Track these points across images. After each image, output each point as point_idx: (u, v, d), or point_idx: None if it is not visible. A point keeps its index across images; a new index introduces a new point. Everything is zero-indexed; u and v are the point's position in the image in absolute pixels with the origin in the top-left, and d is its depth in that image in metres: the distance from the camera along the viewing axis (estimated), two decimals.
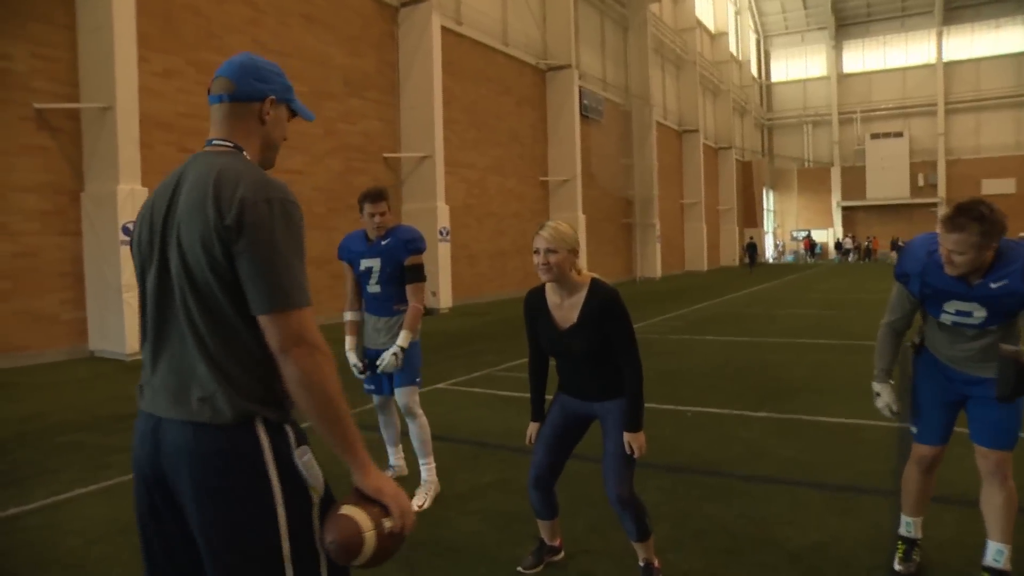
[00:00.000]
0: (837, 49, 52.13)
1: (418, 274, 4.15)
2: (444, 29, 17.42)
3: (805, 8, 52.29)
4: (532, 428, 3.16)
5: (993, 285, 2.70)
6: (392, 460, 4.60)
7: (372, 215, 4.08)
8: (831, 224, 52.43)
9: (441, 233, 16.26)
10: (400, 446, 4.61)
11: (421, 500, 4.10)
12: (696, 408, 6.34)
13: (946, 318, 2.90)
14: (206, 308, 1.53)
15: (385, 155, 16.23)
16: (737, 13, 47.15)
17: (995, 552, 2.88)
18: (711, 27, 42.20)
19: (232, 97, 1.67)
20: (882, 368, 3.21)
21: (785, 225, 54.66)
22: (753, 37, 51.63)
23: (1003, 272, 2.69)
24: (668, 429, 5.61)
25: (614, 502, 2.91)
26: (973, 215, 2.61)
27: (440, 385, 7.69)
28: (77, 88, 10.35)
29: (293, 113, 1.81)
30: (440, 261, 16.25)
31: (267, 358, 1.53)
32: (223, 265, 1.50)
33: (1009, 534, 2.88)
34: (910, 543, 3.18)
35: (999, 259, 2.71)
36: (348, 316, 4.33)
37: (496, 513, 3.96)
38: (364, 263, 4.18)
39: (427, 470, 4.23)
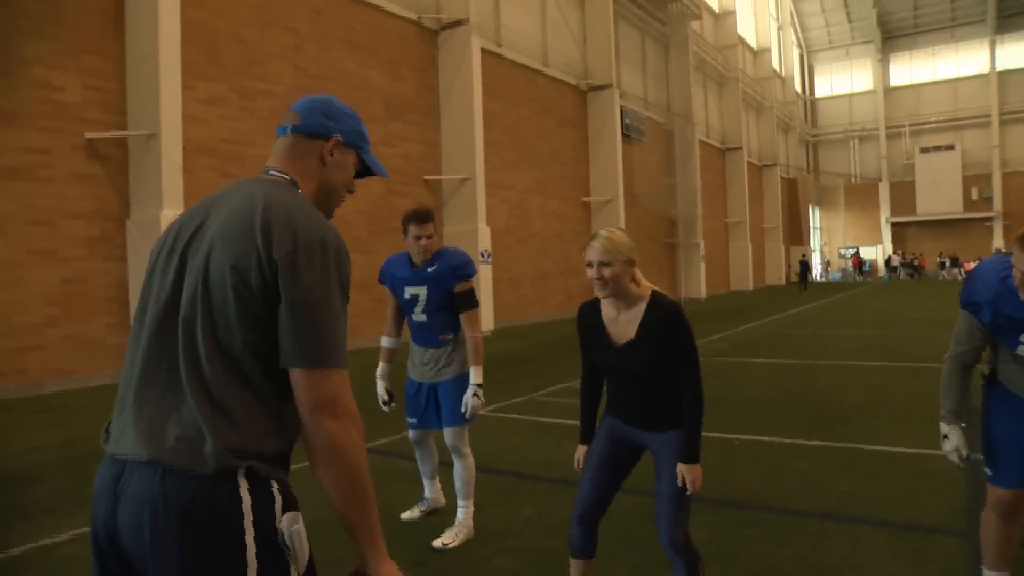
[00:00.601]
0: (883, 62, 51.17)
1: (471, 301, 3.90)
2: (484, 51, 17.45)
3: (850, 22, 51.52)
4: (580, 451, 2.88)
5: None
6: (427, 492, 4.38)
7: (418, 237, 3.81)
8: (880, 241, 51.22)
9: (483, 255, 16.19)
10: (437, 478, 4.41)
11: (449, 539, 3.90)
12: (745, 436, 6.08)
13: (1022, 349, 2.59)
14: (216, 341, 1.37)
15: (426, 177, 16.25)
16: (780, 29, 46.62)
17: None
18: (753, 44, 41.77)
19: (296, 129, 1.59)
20: (949, 408, 2.85)
21: (832, 242, 53.56)
22: (796, 52, 51.00)
23: None
24: (716, 459, 5.36)
25: (667, 547, 2.66)
26: None
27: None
28: (125, 117, 10.54)
29: (365, 168, 1.71)
30: (482, 283, 16.14)
31: (276, 410, 1.40)
32: (254, 299, 1.36)
33: None
34: None
35: None
36: (385, 342, 4.16)
37: (533, 551, 3.77)
38: (409, 291, 3.93)
39: (464, 513, 4.02)
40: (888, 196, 50.74)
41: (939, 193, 48.49)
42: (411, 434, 4.23)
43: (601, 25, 22.76)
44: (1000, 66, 47.40)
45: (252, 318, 1.37)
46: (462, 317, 3.89)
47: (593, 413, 2.93)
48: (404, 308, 4.03)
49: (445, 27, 16.59)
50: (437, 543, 3.87)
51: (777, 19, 46.16)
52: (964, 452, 2.80)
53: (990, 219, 47.39)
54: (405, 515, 4.24)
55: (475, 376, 3.85)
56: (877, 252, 50.62)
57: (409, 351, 4.12)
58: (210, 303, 1.38)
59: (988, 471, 2.81)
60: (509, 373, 10.47)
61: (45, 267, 9.67)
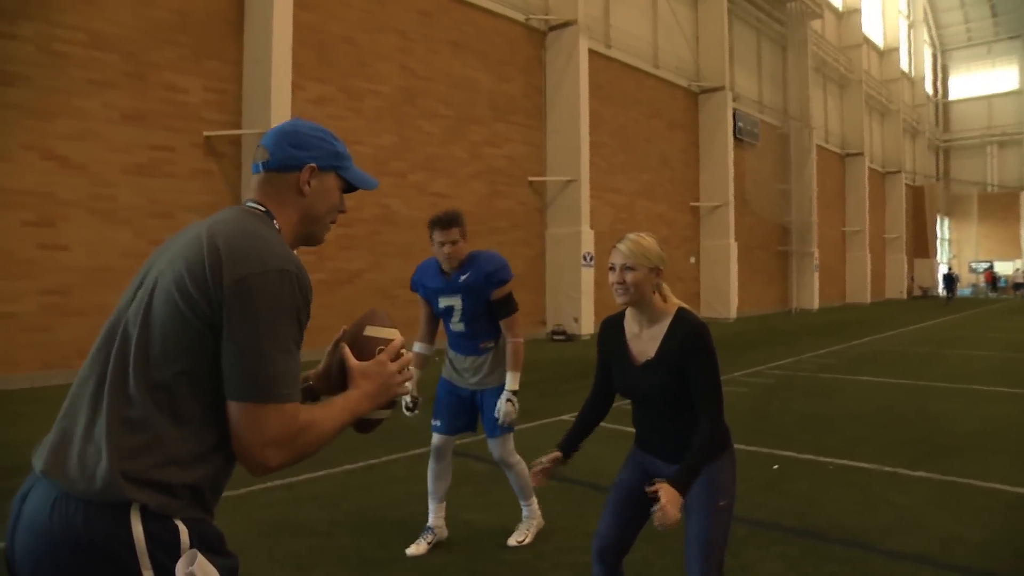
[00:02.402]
0: None
1: (510, 307, 3.74)
2: (592, 52, 17.28)
3: (993, 16, 48.06)
4: (548, 456, 2.57)
5: None
6: (431, 520, 3.97)
7: (442, 244, 3.64)
8: (1019, 255, 47.56)
9: (585, 258, 16.02)
10: (444, 504, 4.04)
11: (522, 536, 3.91)
12: (840, 460, 5.68)
13: None
14: (148, 358, 1.29)
15: (530, 179, 16.24)
16: (910, 27, 44.03)
17: None
18: (879, 43, 39.61)
19: (267, 166, 1.50)
20: None
21: (962, 255, 50.11)
22: (928, 51, 48.04)
23: None
24: (804, 483, 5.03)
25: None
26: None
27: (564, 417, 7.41)
28: (240, 116, 11.03)
29: (347, 183, 1.61)
30: (583, 287, 15.99)
31: (198, 439, 1.31)
32: (197, 320, 1.29)
33: None
34: None
35: None
36: (417, 348, 4.02)
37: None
38: (444, 301, 3.79)
39: (528, 509, 3.99)
40: None
41: None
42: (434, 439, 3.99)
43: (715, 25, 22.12)
44: None
45: (191, 339, 1.29)
46: (503, 324, 3.75)
47: (583, 429, 2.70)
48: (440, 317, 3.89)
49: (553, 28, 16.53)
50: (512, 541, 3.88)
51: (908, 16, 43.61)
52: None
53: None
54: (411, 550, 3.82)
55: (511, 382, 3.72)
56: (1015, 267, 47.04)
57: (446, 353, 4.00)
58: (150, 319, 1.31)
59: None
60: None
61: None
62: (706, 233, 22.16)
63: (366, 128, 12.95)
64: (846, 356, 12.98)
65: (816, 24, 29.30)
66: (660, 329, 2.42)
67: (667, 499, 2.13)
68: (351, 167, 1.60)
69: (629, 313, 2.53)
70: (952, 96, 51.30)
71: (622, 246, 2.40)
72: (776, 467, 5.52)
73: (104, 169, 9.59)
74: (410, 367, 1.57)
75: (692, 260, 21.85)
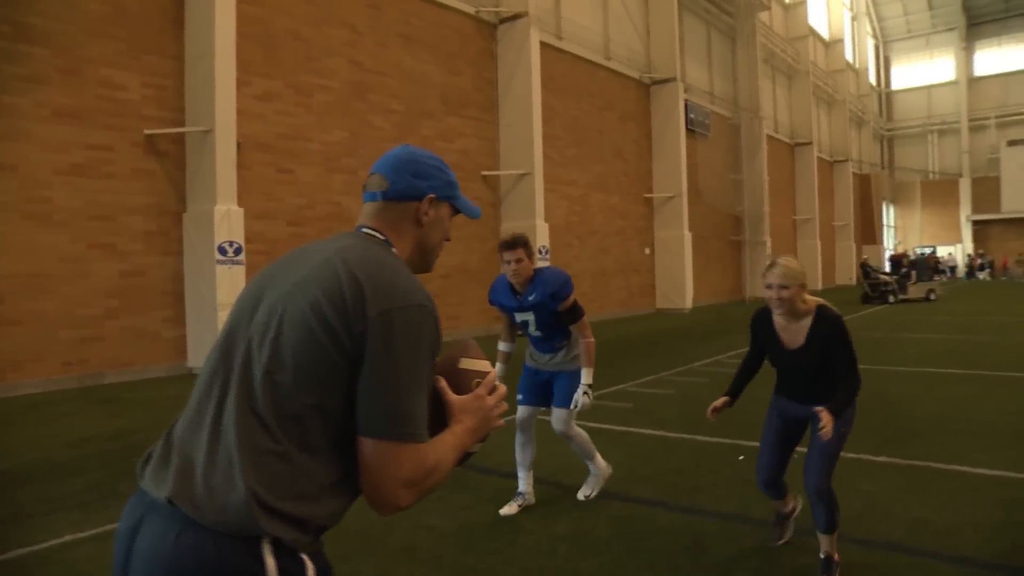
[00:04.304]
0: (967, 51, 48.81)
1: (576, 313, 4.28)
2: (543, 45, 17.16)
3: (931, 9, 49.29)
4: (720, 401, 3.57)
5: None
6: (522, 487, 4.46)
7: (508, 262, 4.13)
8: (960, 240, 48.95)
9: (540, 252, 15.90)
10: (532, 472, 4.51)
11: (590, 490, 4.54)
12: (805, 449, 5.63)
13: None
14: (276, 384, 1.25)
15: (484, 173, 16.06)
16: (854, 19, 44.91)
17: None
18: (825, 35, 40.32)
19: (386, 195, 1.51)
20: None
21: (907, 241, 51.40)
22: (871, 43, 49.08)
23: None
24: None
25: (812, 492, 3.25)
26: None
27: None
28: (183, 114, 10.63)
29: (456, 211, 1.61)
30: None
31: (325, 471, 1.28)
32: (332, 347, 1.25)
33: None
34: None
35: None
36: (501, 347, 4.65)
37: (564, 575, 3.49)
38: (519, 316, 4.37)
39: (594, 466, 4.58)
40: (969, 193, 48.41)
41: None
42: (519, 411, 4.48)
43: (665, 17, 22.18)
44: None
45: (326, 370, 1.25)
46: (573, 328, 4.32)
47: (743, 383, 3.65)
48: (520, 326, 4.47)
49: (504, 20, 16.36)
50: (580, 496, 4.53)
51: (851, 8, 44.47)
52: None
53: None
54: (504, 510, 4.34)
55: (586, 377, 4.30)
56: (957, 252, 48.40)
57: (528, 348, 4.60)
58: (279, 345, 1.27)
59: None
60: None
61: (105, 261, 9.83)
62: (660, 224, 22.23)
63: (316, 124, 12.63)
64: None
65: (764, 16, 29.63)
66: (805, 324, 3.25)
67: (826, 418, 2.97)
68: (461, 196, 1.60)
69: (776, 312, 3.29)
70: (894, 86, 52.48)
71: (777, 270, 3.17)
72: (742, 457, 5.46)
73: (37, 170, 9.14)
74: (498, 383, 1.54)
75: (647, 251, 21.90)
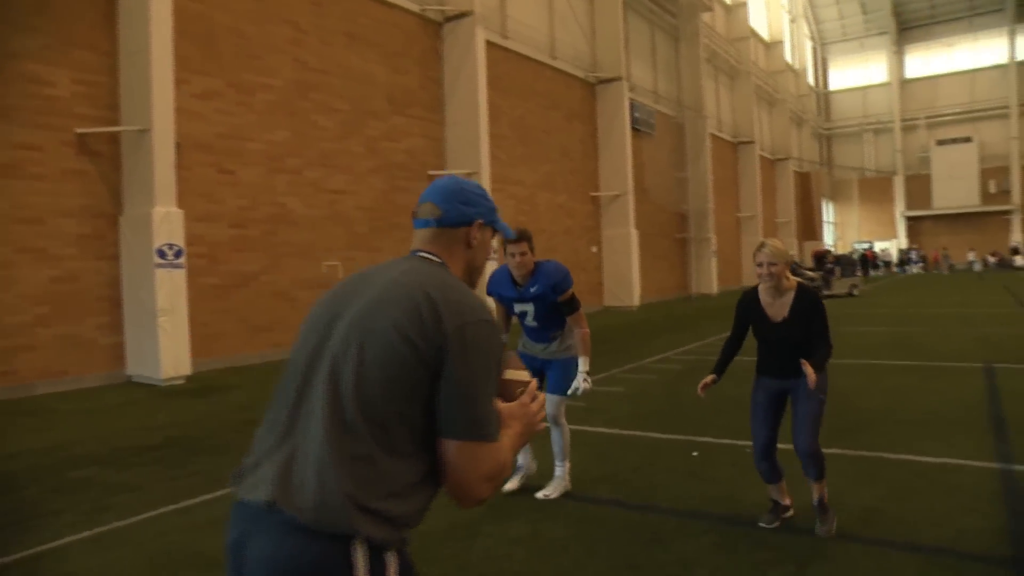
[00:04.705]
0: (899, 54, 50.44)
1: (573, 305, 4.44)
2: (489, 44, 17.08)
3: (864, 13, 50.79)
4: (708, 378, 4.01)
5: None
6: (520, 460, 4.74)
7: (513, 254, 4.30)
8: (895, 235, 50.54)
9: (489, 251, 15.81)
10: (530, 444, 4.71)
11: (550, 491, 4.55)
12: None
13: None
14: (363, 395, 1.37)
15: (430, 172, 15.89)
16: (792, 21, 45.94)
17: None
18: (766, 36, 41.15)
19: (439, 222, 1.64)
20: None
21: (846, 237, 52.86)
22: (809, 45, 50.31)
23: None
24: (725, 468, 4.98)
25: (803, 454, 3.74)
26: None
27: None
28: (117, 112, 10.24)
29: (495, 232, 1.77)
30: (485, 280, 15.79)
31: (411, 473, 1.39)
32: (413, 360, 1.37)
33: None
34: None
35: None
36: None
37: None
38: (518, 307, 4.51)
39: (562, 470, 4.63)
40: (903, 190, 50.06)
41: (956, 186, 47.79)
42: None
43: (610, 17, 22.32)
44: (1020, 56, 46.54)
45: (411, 382, 1.37)
46: (570, 319, 4.48)
47: (728, 359, 4.08)
48: (517, 317, 4.62)
49: (449, 19, 16.22)
50: (540, 495, 4.53)
51: (790, 11, 45.48)
52: None
53: (1008, 212, 46.63)
54: (507, 486, 4.60)
55: (584, 364, 4.51)
56: (891, 247, 49.93)
57: (521, 339, 4.78)
58: (364, 359, 1.38)
59: None
60: None
61: (35, 266, 9.40)
62: (607, 222, 22.36)
63: (258, 123, 12.32)
64: (750, 338, 13.26)
65: (706, 17, 30.06)
66: (788, 299, 3.80)
67: (811, 371, 3.51)
68: (499, 219, 1.75)
69: (762, 288, 3.86)
70: (832, 87, 53.92)
71: (767, 250, 3.74)
72: (696, 454, 5.46)
73: None
74: (537, 392, 1.66)
75: (594, 249, 21.98)
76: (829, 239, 50.70)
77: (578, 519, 4.15)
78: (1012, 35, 46.56)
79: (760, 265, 3.75)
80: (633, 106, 23.44)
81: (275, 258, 12.61)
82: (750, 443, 5.63)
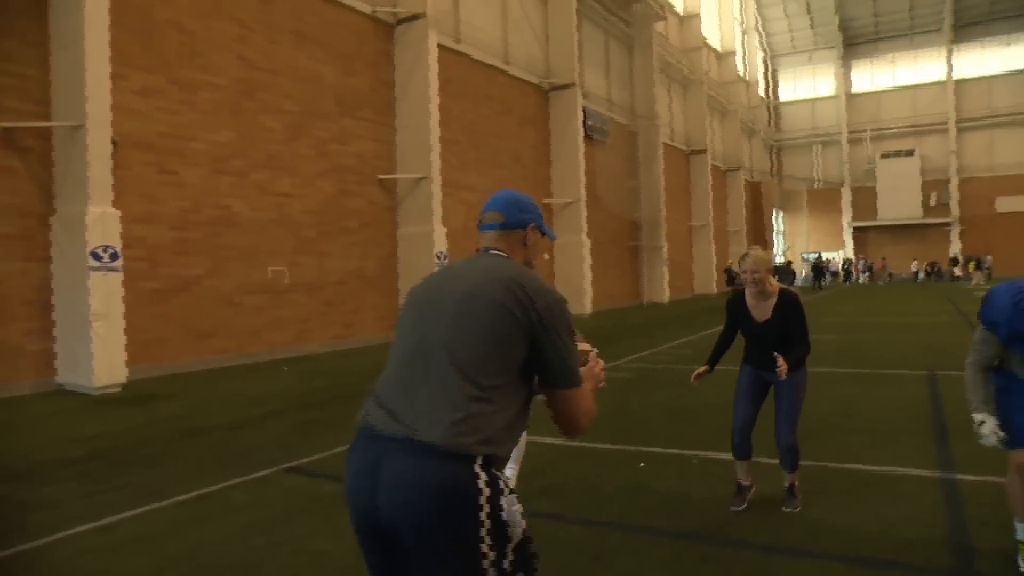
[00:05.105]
0: (845, 68, 51.67)
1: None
2: (442, 47, 16.91)
3: (812, 27, 51.91)
4: (702, 368, 4.37)
5: None
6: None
7: None
8: (842, 245, 51.66)
9: (438, 257, 15.62)
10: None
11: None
12: (705, 453, 5.60)
13: None
14: (478, 354, 1.78)
15: (380, 176, 15.64)
16: (744, 33, 46.73)
17: None
18: (718, 47, 41.78)
19: (504, 226, 2.10)
20: (980, 400, 3.33)
21: (795, 247, 53.87)
22: (760, 57, 51.20)
23: None
24: (671, 480, 4.88)
25: (782, 446, 4.21)
26: None
27: None
28: (49, 107, 9.81)
29: (543, 235, 2.19)
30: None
31: (510, 415, 1.80)
32: (513, 329, 1.80)
33: None
34: None
35: None
36: None
37: None
38: None
39: (512, 472, 4.47)
40: (850, 201, 51.21)
41: (899, 198, 49.06)
42: None
43: (564, 23, 22.34)
44: (957, 74, 48.12)
45: (510, 343, 1.80)
46: None
47: (719, 355, 4.46)
48: None
49: (401, 21, 16.01)
50: None
51: (742, 23, 46.26)
52: (1000, 433, 3.24)
53: (948, 224, 48.03)
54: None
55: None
56: (839, 256, 51.03)
57: None
58: (474, 328, 1.80)
59: (1002, 435, 3.26)
60: None
61: None
62: (559, 229, 22.33)
63: (201, 123, 11.95)
64: (700, 346, 13.31)
65: (660, 26, 30.36)
66: (771, 302, 4.19)
67: (783, 366, 3.84)
68: (545, 225, 2.19)
69: (749, 293, 4.25)
70: (782, 99, 54.93)
71: (750, 259, 4.15)
72: (642, 465, 5.36)
73: None
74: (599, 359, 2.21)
75: (546, 257, 21.90)
76: (779, 248, 51.60)
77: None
78: (949, 54, 48.10)
79: (745, 272, 4.17)
80: (586, 113, 23.48)
81: (219, 262, 12.23)
82: (698, 453, 5.61)
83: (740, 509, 4.22)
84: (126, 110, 10.64)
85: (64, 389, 9.67)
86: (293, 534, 4.07)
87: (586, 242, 22.13)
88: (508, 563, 1.73)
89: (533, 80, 21.66)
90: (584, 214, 22.43)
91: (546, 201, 22.21)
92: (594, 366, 2.02)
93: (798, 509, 4.19)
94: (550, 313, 1.83)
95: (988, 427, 3.24)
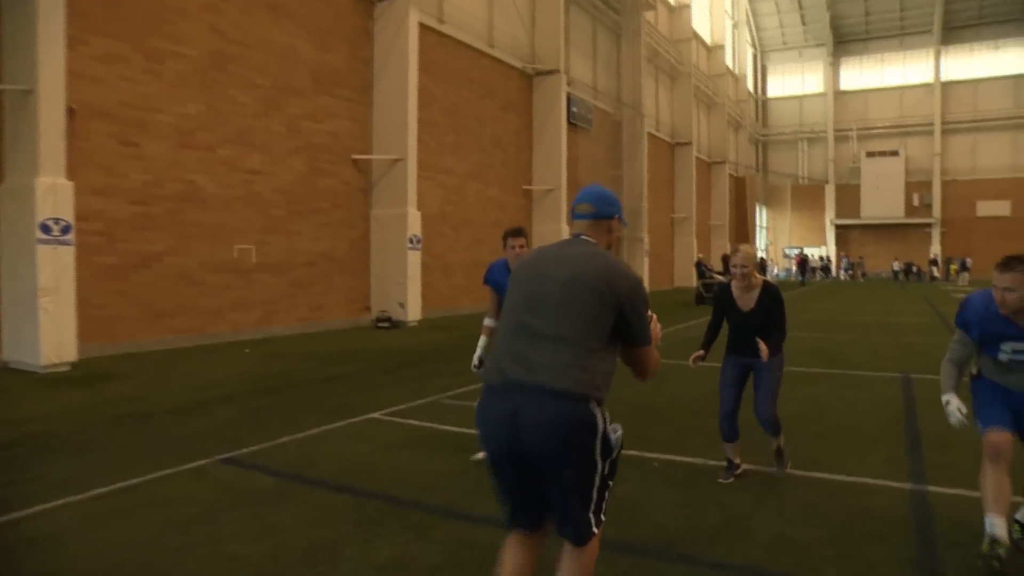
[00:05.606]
0: (834, 66, 51.53)
1: None
2: (424, 27, 16.49)
3: (803, 24, 51.70)
4: (697, 353, 4.73)
5: None
6: None
7: (513, 247, 5.01)
8: (824, 242, 51.71)
9: (412, 241, 15.26)
10: None
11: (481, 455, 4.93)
12: (667, 456, 5.32)
13: (1003, 356, 3.55)
14: (583, 322, 2.35)
15: (354, 156, 15.23)
16: (735, 27, 46.43)
17: None
18: (707, 39, 41.43)
19: (594, 216, 2.61)
20: (950, 385, 3.68)
21: (778, 242, 53.86)
22: (750, 51, 50.95)
23: None
24: (628, 485, 4.57)
25: (763, 421, 4.62)
26: (1022, 260, 3.34)
27: (374, 415, 6.66)
28: None
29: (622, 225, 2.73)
30: (410, 271, 15.25)
31: (606, 368, 2.41)
32: (605, 304, 2.37)
33: None
34: (993, 541, 3.25)
35: None
36: (487, 322, 5.33)
37: None
38: None
39: None
40: (834, 198, 51.22)
41: (882, 198, 49.12)
42: None
43: (551, 8, 21.92)
44: (944, 76, 48.11)
45: (605, 319, 2.39)
46: None
47: (711, 339, 4.82)
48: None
49: None
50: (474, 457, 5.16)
51: (732, 16, 45.95)
52: (964, 409, 3.56)
53: (929, 225, 48.17)
54: (480, 455, 4.94)
55: None
56: (821, 253, 51.08)
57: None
58: (578, 301, 2.37)
59: (980, 424, 3.59)
60: (422, 369, 9.61)
61: None
62: (539, 217, 21.98)
63: (168, 94, 11.50)
64: (675, 339, 13.01)
65: (650, 16, 29.97)
66: (755, 293, 4.64)
67: (764, 346, 4.38)
68: (623, 217, 2.72)
69: (735, 285, 4.69)
70: (770, 94, 54.76)
71: (740, 255, 4.61)
72: (656, 464, 5.07)
73: None
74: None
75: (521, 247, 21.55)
76: (761, 243, 51.55)
77: (456, 543, 3.69)
78: (938, 56, 48.06)
79: (735, 267, 4.64)
80: (570, 100, 23.12)
81: (182, 239, 11.82)
82: (660, 456, 5.33)
83: (727, 481, 4.65)
84: (86, 77, 10.19)
85: (9, 367, 9.26)
86: (211, 535, 3.74)
87: (566, 230, 21.79)
88: (606, 470, 2.37)
89: (517, 64, 21.24)
90: (564, 202, 22.08)
91: (526, 188, 21.86)
92: (655, 327, 2.58)
93: (785, 473, 4.79)
94: (631, 295, 2.42)
95: (953, 404, 3.58)
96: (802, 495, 4.45)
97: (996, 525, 3.25)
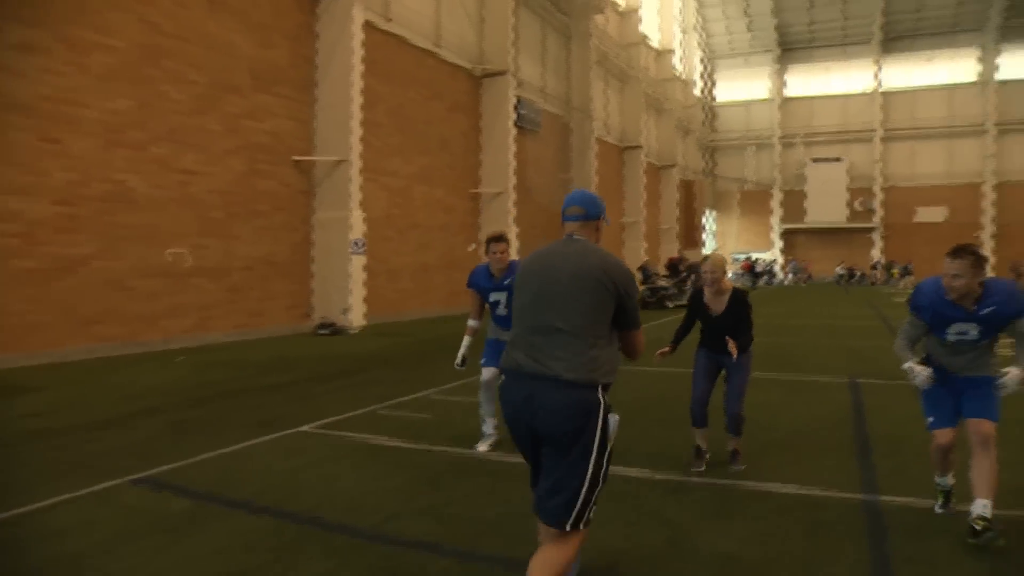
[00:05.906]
0: (781, 73, 52.38)
1: None
2: (369, 25, 16.10)
3: (750, 31, 52.43)
4: (664, 349, 4.96)
5: (984, 311, 3.73)
6: (490, 430, 5.58)
7: (495, 252, 5.38)
8: (771, 246, 52.50)
9: (355, 245, 14.82)
10: (495, 419, 5.51)
11: (484, 448, 5.49)
12: (612, 469, 5.06)
13: (949, 338, 3.90)
14: (583, 313, 2.67)
15: (296, 157, 14.74)
16: (683, 32, 46.85)
17: (981, 507, 3.57)
18: (656, 44, 41.69)
19: (584, 217, 2.96)
20: (907, 355, 4.01)
21: (726, 247, 54.50)
22: (699, 57, 51.48)
23: (990, 301, 3.72)
24: None
25: (731, 414, 4.99)
26: (968, 250, 3.67)
27: (306, 427, 6.28)
28: None
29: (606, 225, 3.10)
30: (353, 276, 14.82)
31: (608, 355, 2.72)
32: (604, 295, 2.70)
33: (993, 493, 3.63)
34: (946, 492, 4.08)
35: (986, 291, 3.72)
36: (471, 323, 5.71)
37: None
38: (493, 296, 5.52)
39: (493, 427, 5.61)
40: (780, 203, 52.03)
41: (827, 203, 50.06)
42: (484, 373, 5.58)
43: (500, 8, 21.68)
44: (884, 85, 49.32)
45: (607, 309, 2.71)
46: None
47: (681, 337, 5.14)
48: (490, 306, 5.60)
49: None
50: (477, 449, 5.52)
51: (681, 22, 46.35)
52: (927, 371, 3.91)
53: (871, 230, 49.26)
54: (480, 449, 5.47)
55: None
56: (766, 257, 51.81)
57: (492, 326, 5.68)
58: (583, 294, 2.69)
59: (929, 420, 3.99)
60: (361, 377, 9.22)
61: None
62: (487, 220, 21.69)
63: (93, 88, 10.90)
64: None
65: (599, 19, 29.96)
66: (725, 297, 5.02)
67: (733, 346, 4.83)
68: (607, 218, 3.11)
69: (707, 290, 5.06)
70: (718, 100, 55.41)
71: (710, 263, 4.98)
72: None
73: None
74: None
75: (471, 248, 21.21)
76: (709, 248, 52.09)
77: (381, 569, 3.37)
78: (878, 66, 49.26)
79: (705, 273, 4.99)
80: (519, 102, 22.91)
81: (110, 242, 11.22)
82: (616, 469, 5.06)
83: (699, 470, 4.94)
84: (4, 65, 9.57)
85: None
86: (105, 571, 3.36)
87: (514, 234, 21.54)
88: (602, 461, 2.64)
89: (465, 65, 20.95)
90: (513, 205, 21.87)
91: (473, 191, 21.56)
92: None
93: (742, 468, 4.98)
94: (626, 284, 2.74)
95: (917, 368, 3.92)
96: (752, 510, 4.23)
97: (949, 479, 4.07)
